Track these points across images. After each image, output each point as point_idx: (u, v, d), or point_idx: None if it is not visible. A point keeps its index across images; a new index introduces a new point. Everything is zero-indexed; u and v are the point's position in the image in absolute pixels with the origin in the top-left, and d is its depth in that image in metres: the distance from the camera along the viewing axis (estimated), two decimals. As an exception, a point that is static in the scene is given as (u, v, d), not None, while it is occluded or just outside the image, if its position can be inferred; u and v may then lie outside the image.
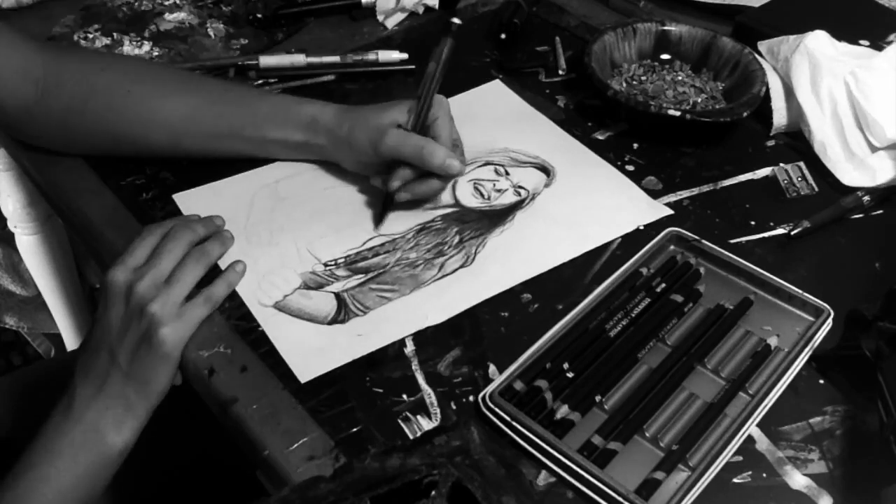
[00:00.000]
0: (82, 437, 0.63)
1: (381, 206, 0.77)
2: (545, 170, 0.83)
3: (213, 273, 0.69)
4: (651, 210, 0.78)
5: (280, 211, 0.78)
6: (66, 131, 0.79)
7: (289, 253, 0.74)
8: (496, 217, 0.78)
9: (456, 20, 0.81)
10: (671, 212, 0.78)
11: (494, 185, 0.81)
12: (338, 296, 0.70)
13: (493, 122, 0.89)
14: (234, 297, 0.70)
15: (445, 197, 0.80)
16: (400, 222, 0.77)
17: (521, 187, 0.81)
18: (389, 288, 0.71)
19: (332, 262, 0.73)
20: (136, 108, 0.77)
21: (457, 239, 0.75)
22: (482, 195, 0.80)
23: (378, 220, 0.77)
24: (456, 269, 0.73)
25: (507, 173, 0.82)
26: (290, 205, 0.78)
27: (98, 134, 0.78)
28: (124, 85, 0.77)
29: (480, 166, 0.83)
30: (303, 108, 0.79)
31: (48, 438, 0.63)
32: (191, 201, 0.78)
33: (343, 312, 0.69)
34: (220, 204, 0.78)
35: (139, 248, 0.67)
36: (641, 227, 0.76)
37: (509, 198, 0.80)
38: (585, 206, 0.79)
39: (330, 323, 0.68)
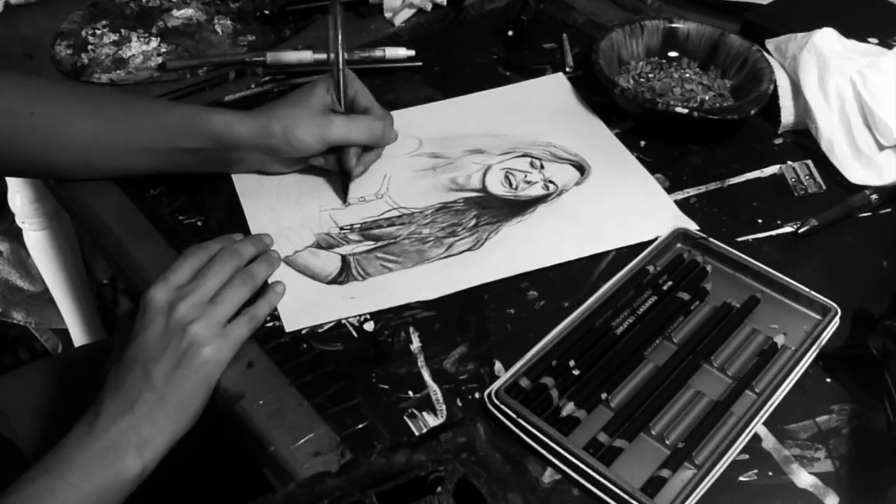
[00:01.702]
0: (101, 454, 0.59)
1: (342, 183, 0.79)
2: (581, 168, 0.83)
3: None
4: (676, 221, 0.77)
5: (311, 178, 0.81)
6: None
7: (311, 214, 0.77)
8: (518, 207, 0.79)
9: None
10: (695, 225, 0.76)
11: (526, 176, 0.82)
12: (344, 258, 0.73)
13: (544, 114, 0.89)
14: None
15: (475, 181, 0.81)
16: (423, 199, 0.79)
17: (551, 182, 0.81)
18: (394, 259, 0.73)
19: (348, 227, 0.76)
20: (41, 130, 0.74)
21: (473, 222, 0.77)
22: (511, 184, 0.81)
23: (344, 195, 0.79)
24: (462, 252, 0.74)
25: (542, 167, 0.83)
26: (322, 174, 0.81)
27: (5, 157, 0.76)
28: (27, 106, 0.74)
29: (518, 156, 0.84)
30: (213, 117, 0.75)
31: (67, 449, 0.60)
32: None
33: (344, 274, 0.72)
34: None
35: (182, 267, 0.65)
36: (660, 237, 0.75)
37: (537, 191, 0.80)
38: (610, 209, 0.78)
39: (329, 283, 0.71)
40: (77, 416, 0.89)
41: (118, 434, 0.59)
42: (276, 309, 0.68)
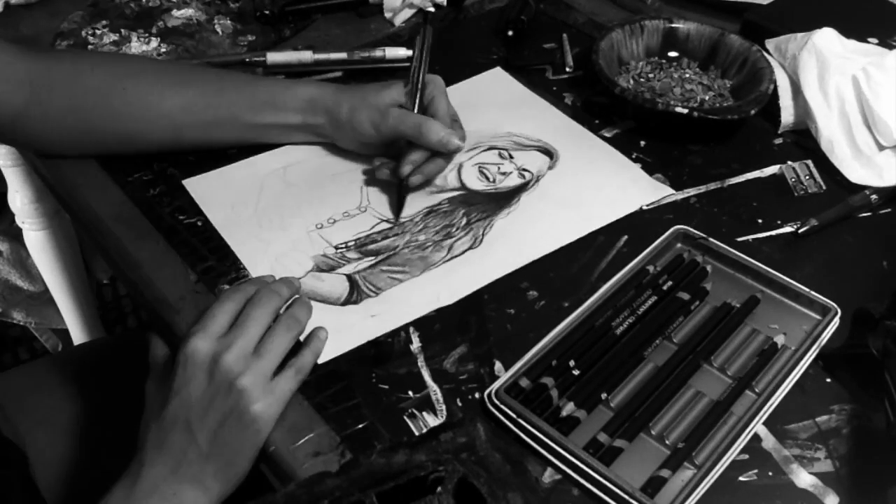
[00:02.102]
0: None
1: (397, 194, 0.78)
2: (548, 152, 0.84)
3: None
4: (653, 189, 0.80)
5: (289, 196, 0.79)
6: (63, 134, 0.78)
7: (300, 237, 0.75)
8: (502, 199, 0.79)
9: (431, 8, 0.92)
10: (672, 191, 0.79)
11: (499, 168, 0.82)
12: (350, 277, 0.72)
13: (495, 107, 0.90)
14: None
15: (451, 181, 0.81)
16: (407, 207, 0.78)
17: (525, 170, 0.82)
18: (400, 269, 0.72)
19: (343, 245, 0.75)
20: (134, 104, 0.77)
21: (464, 220, 0.77)
22: (487, 178, 0.81)
23: (397, 208, 0.78)
24: (464, 251, 0.74)
25: (511, 157, 0.83)
26: (299, 190, 0.80)
27: (97, 133, 0.78)
28: (119, 82, 0.77)
29: (485, 150, 0.85)
30: (300, 90, 0.80)
31: None
32: (201, 187, 0.79)
33: (356, 293, 0.70)
34: (230, 189, 0.80)
35: (221, 313, 0.60)
36: (645, 207, 0.78)
37: (514, 180, 0.81)
38: (589, 187, 0.80)
39: (343, 304, 0.69)
40: (79, 415, 0.89)
41: (160, 500, 0.56)
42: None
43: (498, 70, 0.96)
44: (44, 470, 0.82)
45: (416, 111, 0.77)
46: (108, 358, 1.00)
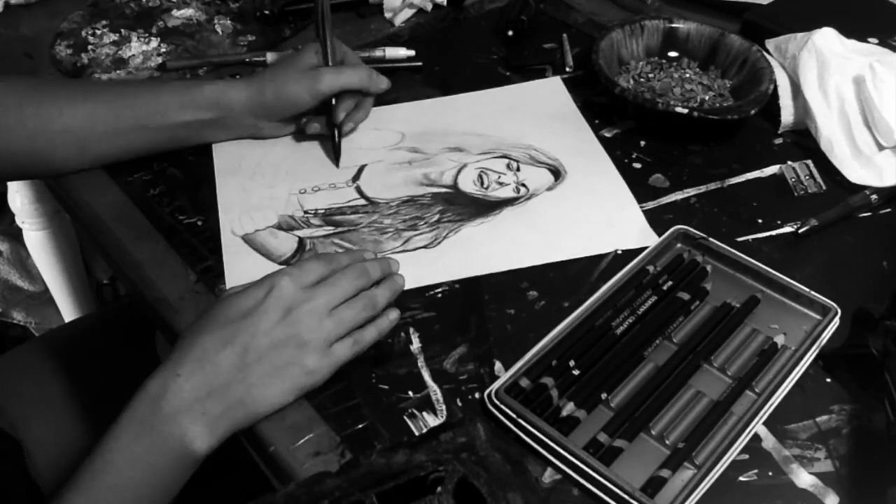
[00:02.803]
0: (164, 443, 0.56)
1: (334, 142, 0.82)
2: (557, 173, 0.82)
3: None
4: (639, 236, 0.76)
5: (292, 160, 0.83)
6: None
7: (279, 196, 0.79)
8: (484, 208, 0.78)
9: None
10: (658, 238, 0.74)
11: (500, 177, 0.82)
12: (301, 240, 0.74)
13: (532, 117, 0.89)
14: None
15: (447, 178, 0.81)
16: (392, 191, 0.80)
17: (523, 185, 0.81)
18: (349, 246, 0.74)
19: (311, 211, 0.77)
20: (32, 120, 0.75)
21: (435, 218, 0.77)
22: (482, 184, 0.81)
23: (337, 154, 0.82)
24: (418, 248, 0.74)
25: (518, 169, 0.82)
26: (302, 157, 0.83)
27: (3, 154, 0.75)
28: (15, 99, 0.75)
29: (496, 157, 0.84)
30: (206, 87, 0.80)
31: (138, 401, 0.56)
32: (226, 150, 0.83)
33: (297, 257, 0.73)
34: (248, 148, 0.84)
35: (312, 269, 0.63)
36: (619, 252, 0.74)
37: (507, 192, 0.80)
38: (573, 217, 0.77)
39: (281, 263, 0.72)
40: (71, 394, 0.88)
41: (188, 416, 0.56)
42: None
43: (556, 81, 0.94)
44: (40, 456, 0.82)
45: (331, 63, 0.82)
46: (97, 332, 0.99)
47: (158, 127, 0.79)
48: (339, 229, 0.75)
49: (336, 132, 0.82)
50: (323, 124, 0.82)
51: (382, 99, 0.89)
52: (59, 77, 0.91)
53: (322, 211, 0.77)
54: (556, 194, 0.80)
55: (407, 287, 0.68)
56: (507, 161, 0.83)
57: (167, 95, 0.78)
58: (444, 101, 0.92)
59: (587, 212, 0.78)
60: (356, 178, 0.81)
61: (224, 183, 0.80)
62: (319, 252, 0.73)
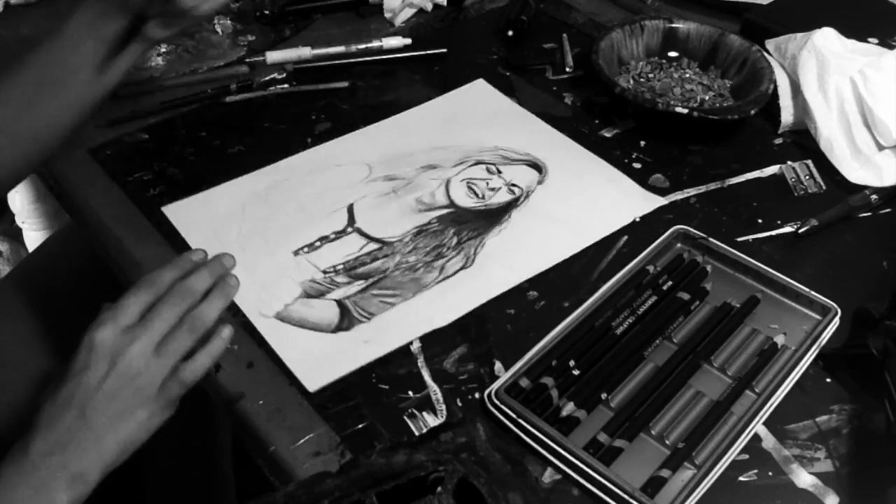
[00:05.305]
0: (30, 493, 0.56)
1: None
2: (537, 167, 0.83)
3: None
4: (645, 201, 0.79)
5: (273, 219, 0.77)
6: None
7: (286, 262, 0.73)
8: (492, 216, 0.78)
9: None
10: (665, 202, 0.79)
11: (488, 183, 0.81)
12: (340, 303, 0.70)
13: (480, 121, 0.89)
14: (233, 307, 0.68)
15: (440, 197, 0.80)
16: (396, 226, 0.77)
17: (514, 185, 0.81)
18: (392, 293, 0.71)
19: (331, 269, 0.73)
20: None
21: (455, 240, 0.75)
22: (476, 195, 0.80)
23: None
24: (457, 271, 0.73)
25: (500, 171, 0.82)
26: (283, 213, 0.78)
27: None
28: None
29: (472, 165, 0.83)
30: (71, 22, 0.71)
31: None
32: (181, 213, 0.77)
33: (346, 320, 0.68)
34: (212, 213, 0.77)
35: (132, 304, 0.60)
36: (637, 219, 0.77)
37: (503, 196, 0.80)
38: (581, 202, 0.79)
39: (334, 331, 0.67)
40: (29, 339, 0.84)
41: (48, 472, 0.57)
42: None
43: (480, 82, 0.94)
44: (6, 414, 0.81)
45: None
46: (44, 270, 0.96)
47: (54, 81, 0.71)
48: (371, 280, 0.71)
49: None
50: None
51: (385, 100, 0.88)
52: None
53: (341, 266, 0.73)
54: (551, 186, 0.81)
55: (469, 309, 0.68)
56: (484, 166, 0.83)
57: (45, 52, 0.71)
58: (388, 124, 0.89)
59: (590, 193, 0.80)
60: (351, 220, 0.77)
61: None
62: (364, 307, 0.69)
